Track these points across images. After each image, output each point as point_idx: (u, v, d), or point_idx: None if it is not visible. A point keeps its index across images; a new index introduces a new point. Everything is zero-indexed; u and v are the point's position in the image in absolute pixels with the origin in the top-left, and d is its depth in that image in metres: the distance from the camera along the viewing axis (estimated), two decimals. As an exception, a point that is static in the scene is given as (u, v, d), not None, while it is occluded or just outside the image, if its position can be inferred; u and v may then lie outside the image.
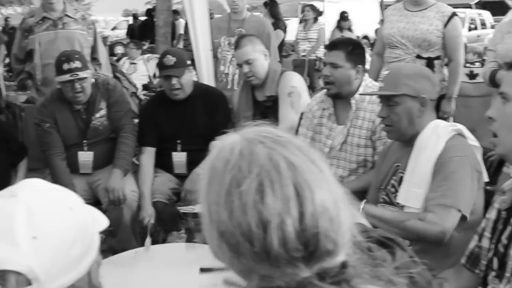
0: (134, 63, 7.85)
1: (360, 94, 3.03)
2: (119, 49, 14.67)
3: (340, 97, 3.09)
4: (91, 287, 0.98)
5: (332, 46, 3.12)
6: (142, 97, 5.76)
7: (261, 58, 3.57)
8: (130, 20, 19.06)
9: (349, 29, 10.66)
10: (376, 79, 3.45)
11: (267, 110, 3.60)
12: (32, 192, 0.96)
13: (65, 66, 3.41)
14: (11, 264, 0.87)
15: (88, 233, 0.98)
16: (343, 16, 10.50)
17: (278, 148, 0.88)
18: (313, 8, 9.43)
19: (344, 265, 0.84)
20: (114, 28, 23.51)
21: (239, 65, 3.63)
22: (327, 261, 0.84)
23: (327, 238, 0.83)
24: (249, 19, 4.79)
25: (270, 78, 3.59)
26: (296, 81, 3.63)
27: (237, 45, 3.62)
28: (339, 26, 10.41)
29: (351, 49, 3.03)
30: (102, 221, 1.04)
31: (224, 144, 0.93)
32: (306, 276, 0.83)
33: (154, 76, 7.82)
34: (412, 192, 2.27)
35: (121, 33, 22.81)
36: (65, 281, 0.92)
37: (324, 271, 0.83)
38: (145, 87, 7.11)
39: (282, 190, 0.83)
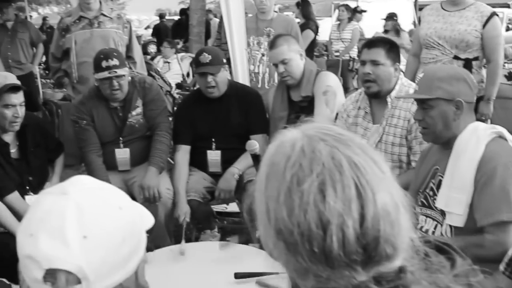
0: (168, 62, 7.90)
1: (396, 98, 3.01)
2: (152, 48, 14.80)
3: (378, 96, 3.06)
4: (138, 286, 0.98)
5: (372, 44, 3.08)
6: (176, 95, 5.79)
7: (296, 58, 3.55)
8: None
9: (396, 31, 9.95)
10: (412, 80, 3.41)
11: (302, 110, 3.58)
12: (83, 190, 0.96)
13: (104, 64, 3.45)
14: (61, 263, 0.88)
15: (136, 232, 0.98)
16: (390, 17, 9.93)
17: (340, 146, 0.85)
18: (347, 8, 9.31)
19: (401, 270, 0.83)
20: (147, 27, 23.69)
21: (275, 65, 3.61)
22: (385, 265, 0.82)
23: (387, 242, 0.82)
24: (277, 19, 4.79)
25: (306, 78, 3.57)
26: (332, 80, 3.60)
27: (272, 45, 3.60)
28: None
29: (389, 47, 3.02)
30: (148, 219, 1.03)
31: (284, 140, 0.90)
32: (363, 280, 0.81)
33: (188, 75, 7.86)
34: (453, 197, 2.22)
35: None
36: (114, 281, 0.92)
37: (381, 275, 0.82)
38: (179, 85, 7.15)
39: (344, 190, 0.81)
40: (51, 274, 0.88)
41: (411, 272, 0.83)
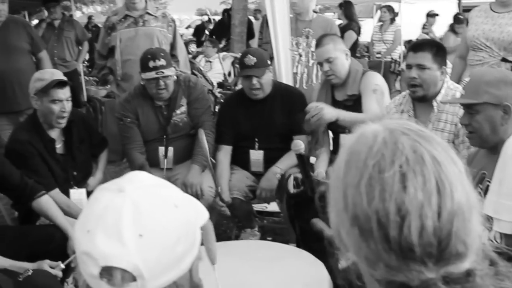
0: (210, 61, 7.96)
1: (442, 102, 2.96)
2: (193, 47, 14.92)
3: (423, 100, 3.03)
4: (192, 284, 0.98)
5: (418, 47, 3.03)
6: (218, 94, 5.83)
7: (342, 57, 3.54)
8: (204, 19, 19.35)
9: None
10: (458, 83, 3.35)
11: (347, 109, 3.57)
12: (140, 188, 0.96)
13: (151, 64, 3.50)
14: (118, 261, 0.88)
15: (191, 230, 0.98)
16: (458, 19, 9.43)
17: (422, 141, 0.87)
18: (389, 9, 9.17)
19: (470, 273, 0.83)
20: (188, 27, 23.92)
21: (320, 64, 3.60)
22: (455, 265, 0.83)
23: (458, 239, 0.83)
24: (316, 20, 4.76)
25: (352, 78, 3.56)
26: (379, 80, 3.58)
27: (318, 43, 3.59)
28: (453, 30, 9.30)
29: (436, 50, 2.98)
30: (203, 214, 1.03)
31: (365, 131, 0.92)
32: (432, 276, 0.82)
33: (229, 74, 7.90)
34: (502, 204, 2.16)
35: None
36: (168, 279, 0.93)
37: (450, 275, 0.82)
38: (220, 85, 7.20)
39: (425, 183, 0.83)
40: (107, 271, 0.89)
41: (480, 276, 0.83)
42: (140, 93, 3.74)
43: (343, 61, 3.55)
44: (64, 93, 3.26)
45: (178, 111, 3.74)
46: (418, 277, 0.82)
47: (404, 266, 0.83)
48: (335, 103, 3.63)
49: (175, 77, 3.71)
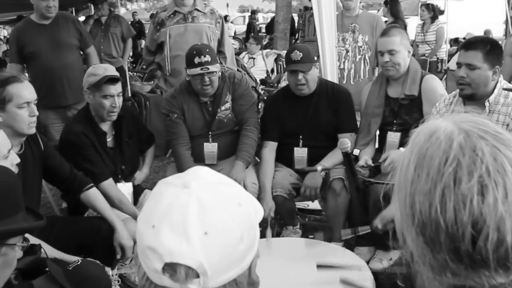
0: (253, 58, 7.98)
1: (504, 89, 2.89)
2: (235, 45, 15.00)
3: (473, 99, 2.96)
4: (250, 281, 0.98)
5: (470, 45, 2.95)
6: (260, 91, 5.83)
7: (404, 53, 3.51)
8: (246, 16, 19.40)
9: None
10: (509, 82, 3.26)
11: (400, 108, 3.52)
12: (204, 185, 0.96)
13: (196, 60, 3.52)
14: (183, 258, 0.89)
15: (252, 228, 0.98)
16: None
17: (501, 147, 0.83)
18: (428, 7, 8.83)
19: None
20: (230, 23, 24.03)
21: (380, 53, 3.55)
22: None
23: None
24: (362, 15, 4.74)
25: (411, 77, 3.52)
26: (441, 87, 3.56)
27: (385, 33, 3.56)
28: None
29: (489, 49, 2.87)
30: (260, 212, 1.03)
31: (436, 131, 0.87)
32: (503, 281, 0.80)
33: (272, 71, 7.90)
34: None
35: (237, 28, 23.30)
36: (229, 276, 0.93)
37: None
38: (263, 82, 7.20)
39: (506, 195, 0.79)
40: (170, 267, 0.89)
41: None
42: (186, 89, 3.78)
43: (404, 57, 3.51)
44: (116, 89, 3.32)
45: (223, 107, 3.76)
46: (488, 282, 0.80)
47: (474, 274, 0.81)
48: (388, 99, 3.59)
49: (220, 74, 3.72)
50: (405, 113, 3.53)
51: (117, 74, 3.42)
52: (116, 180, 3.46)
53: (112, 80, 3.31)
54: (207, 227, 0.91)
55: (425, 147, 0.87)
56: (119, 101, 3.35)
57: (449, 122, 0.88)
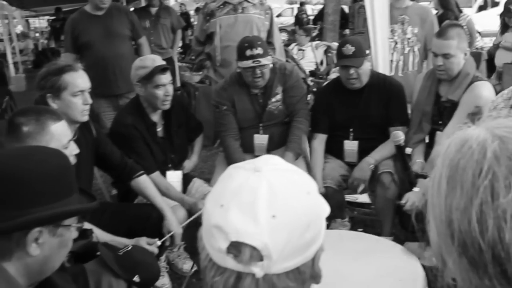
0: (302, 50, 7.93)
1: None
2: (283, 36, 14.94)
3: None
4: (313, 273, 0.97)
5: None
6: (310, 83, 5.79)
7: (460, 57, 3.29)
8: (295, 7, 19.30)
9: None
10: None
11: (444, 110, 3.42)
12: (275, 171, 0.95)
13: (248, 52, 3.52)
14: (249, 238, 0.88)
15: (319, 219, 0.97)
16: None
17: None
18: None
19: None
20: (279, 15, 23.95)
21: (435, 55, 3.36)
22: None
23: None
24: (412, 7, 4.62)
25: (459, 81, 3.33)
26: (484, 97, 3.20)
27: (442, 34, 3.32)
28: None
29: None
30: (327, 206, 1.02)
31: (468, 139, 0.80)
32: None
33: (321, 63, 7.83)
34: None
35: (286, 20, 23.21)
36: (293, 264, 0.92)
37: None
38: (312, 73, 7.15)
39: None
40: (235, 247, 0.89)
41: None
42: (236, 81, 3.78)
43: (459, 61, 3.30)
44: (166, 78, 3.36)
45: (273, 99, 3.76)
46: None
47: None
48: (438, 98, 3.48)
49: (271, 65, 3.71)
50: (447, 117, 3.36)
51: (164, 63, 3.45)
52: (166, 169, 3.50)
53: (162, 69, 3.35)
54: (276, 210, 0.90)
55: (457, 158, 0.79)
56: (170, 89, 3.40)
57: (482, 129, 0.80)
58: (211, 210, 0.94)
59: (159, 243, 2.84)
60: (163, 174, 3.48)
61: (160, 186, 3.30)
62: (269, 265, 0.89)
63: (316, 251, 0.96)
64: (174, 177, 3.50)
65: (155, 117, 3.49)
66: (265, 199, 0.90)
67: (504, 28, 7.66)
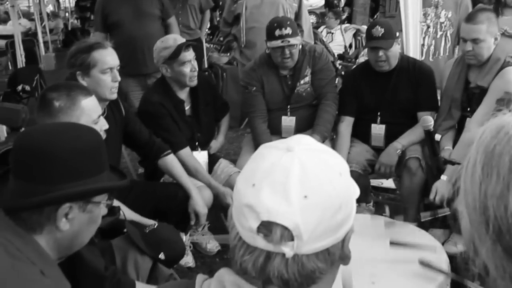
0: (331, 33, 7.87)
1: None
2: (312, 19, 14.81)
3: None
4: (343, 254, 0.97)
5: None
6: (338, 66, 5.75)
7: (490, 41, 3.22)
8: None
9: None
10: None
11: (472, 96, 3.36)
12: (308, 151, 0.95)
13: (277, 32, 3.51)
14: (280, 218, 0.88)
15: (350, 201, 0.96)
16: None
17: None
18: None
19: None
20: (307, -2, 23.74)
21: (463, 40, 3.30)
22: None
23: None
24: None
25: (489, 66, 3.26)
26: None
27: (471, 18, 3.24)
28: None
29: None
30: (357, 188, 1.01)
31: (505, 127, 0.79)
32: None
33: (350, 46, 7.76)
34: None
35: (314, 2, 22.98)
36: (323, 244, 0.91)
37: None
38: (340, 57, 7.10)
39: None
40: (265, 226, 0.89)
41: None
42: (265, 62, 3.77)
43: (490, 45, 3.23)
44: (190, 54, 3.39)
45: (302, 81, 3.74)
46: None
47: None
48: (467, 84, 3.42)
49: (301, 47, 3.68)
50: (475, 103, 3.30)
51: (184, 40, 3.47)
52: (193, 148, 3.52)
53: (186, 46, 3.36)
54: (308, 190, 0.90)
55: (492, 144, 0.78)
56: (195, 64, 3.41)
57: None
58: (242, 189, 0.94)
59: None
60: (192, 154, 3.50)
61: (189, 166, 3.32)
62: (299, 246, 0.89)
63: (346, 233, 0.96)
64: (200, 158, 3.52)
65: (183, 95, 3.51)
66: (297, 179, 0.90)
67: None
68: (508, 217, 0.73)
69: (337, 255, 0.95)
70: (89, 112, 2.24)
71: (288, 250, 0.89)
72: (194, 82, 3.43)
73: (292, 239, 0.89)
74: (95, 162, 1.47)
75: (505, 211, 0.74)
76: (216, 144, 3.78)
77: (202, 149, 3.61)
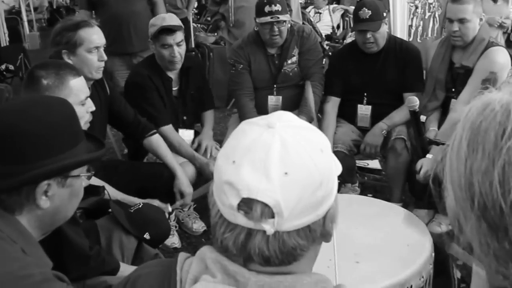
0: (319, 13, 7.83)
1: None
2: (300, -1, 14.71)
3: None
4: (324, 231, 0.96)
5: None
6: (325, 47, 5.72)
7: (475, 22, 3.23)
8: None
9: None
10: None
11: (457, 77, 3.36)
12: (289, 127, 0.94)
13: (266, 9, 3.50)
14: (261, 195, 0.87)
15: (331, 178, 0.95)
16: None
17: None
18: None
19: None
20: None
21: (450, 20, 3.29)
22: None
23: None
24: None
25: (473, 46, 3.28)
26: (499, 62, 3.21)
27: None
28: None
29: None
30: (339, 166, 1.00)
31: (490, 103, 0.77)
32: None
33: (338, 27, 7.74)
34: None
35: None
36: (303, 221, 0.91)
37: None
38: (328, 37, 7.07)
39: None
40: (246, 203, 0.88)
41: None
42: (253, 41, 3.76)
43: (475, 26, 3.24)
44: (174, 39, 3.32)
45: (289, 61, 3.73)
46: None
47: None
48: (452, 65, 3.42)
49: (289, 25, 3.67)
50: (460, 84, 3.32)
51: (176, 23, 3.40)
52: (178, 127, 3.50)
53: (168, 30, 3.31)
54: (288, 167, 0.89)
55: (478, 120, 0.77)
56: (179, 50, 3.35)
57: (505, 93, 0.78)
58: (222, 166, 0.93)
59: (170, 209, 2.86)
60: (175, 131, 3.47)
61: (173, 141, 3.32)
62: (280, 223, 0.88)
63: (327, 210, 0.95)
64: (186, 136, 3.50)
65: (172, 75, 3.48)
66: (278, 156, 0.89)
67: None
68: (493, 193, 0.73)
69: (318, 232, 0.95)
70: (77, 92, 2.20)
71: (268, 227, 0.88)
72: (174, 67, 3.41)
73: (273, 216, 0.88)
74: (69, 134, 1.43)
75: (490, 187, 0.73)
76: (206, 141, 3.58)
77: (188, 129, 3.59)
